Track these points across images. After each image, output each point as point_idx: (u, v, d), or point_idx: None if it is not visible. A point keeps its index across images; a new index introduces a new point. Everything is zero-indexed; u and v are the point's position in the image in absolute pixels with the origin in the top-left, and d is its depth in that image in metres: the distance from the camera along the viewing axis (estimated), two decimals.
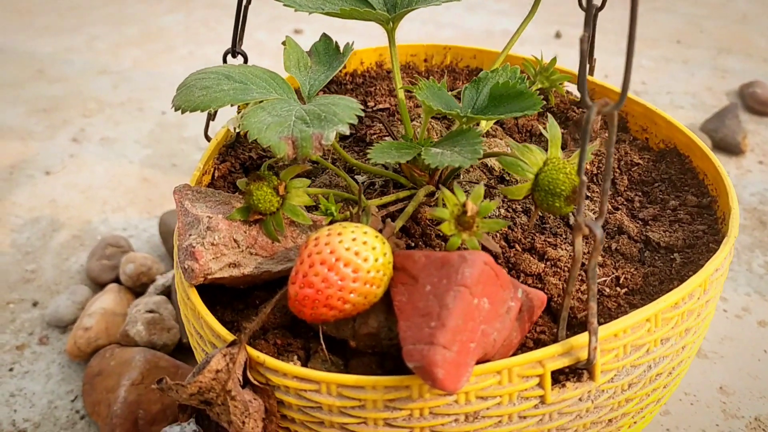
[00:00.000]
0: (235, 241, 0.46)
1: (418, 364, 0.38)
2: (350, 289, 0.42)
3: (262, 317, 0.44)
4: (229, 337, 0.44)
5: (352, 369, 0.45)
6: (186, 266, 0.45)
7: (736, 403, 0.77)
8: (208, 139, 0.61)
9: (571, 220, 0.55)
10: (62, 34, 1.51)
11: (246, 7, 0.56)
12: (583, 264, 0.50)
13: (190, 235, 0.46)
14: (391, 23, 0.56)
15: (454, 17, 1.65)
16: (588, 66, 0.68)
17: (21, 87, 1.31)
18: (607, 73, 1.47)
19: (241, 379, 0.42)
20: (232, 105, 0.47)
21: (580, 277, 0.49)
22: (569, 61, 1.62)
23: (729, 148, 1.21)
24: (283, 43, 0.52)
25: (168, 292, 0.83)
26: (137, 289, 0.85)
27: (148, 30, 1.53)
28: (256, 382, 0.43)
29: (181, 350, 0.79)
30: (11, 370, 0.78)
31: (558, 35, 1.59)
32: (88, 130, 1.19)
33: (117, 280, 0.87)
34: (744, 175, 1.15)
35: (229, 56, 0.57)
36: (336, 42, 0.54)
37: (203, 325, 0.46)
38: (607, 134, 0.64)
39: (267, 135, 0.43)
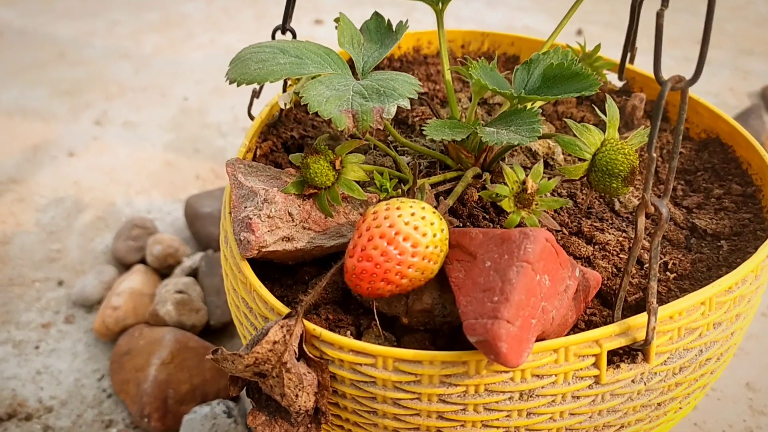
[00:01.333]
0: (290, 214, 0.46)
1: (481, 338, 0.38)
2: (409, 263, 0.41)
3: (318, 290, 0.44)
4: (284, 309, 0.44)
5: (404, 345, 0.45)
6: (242, 237, 0.45)
7: (763, 399, 0.77)
8: (251, 117, 0.61)
9: (634, 200, 0.54)
10: (83, 18, 1.50)
11: None
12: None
13: (246, 207, 0.46)
14: (440, 4, 0.56)
15: (474, 13, 1.65)
16: (630, 54, 0.68)
17: (43, 69, 1.30)
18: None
19: (296, 351, 0.42)
20: (287, 78, 0.47)
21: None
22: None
23: None
24: (336, 20, 0.52)
25: (195, 273, 0.83)
26: (163, 270, 0.85)
27: (169, 16, 1.53)
28: (311, 356, 0.43)
29: (209, 332, 0.79)
30: (37, 347, 0.78)
31: (579, 32, 1.58)
32: (111, 113, 1.19)
33: (143, 261, 0.86)
34: None
35: (278, 33, 0.57)
36: (388, 20, 0.54)
37: (255, 297, 0.46)
38: (647, 123, 0.64)
39: (327, 107, 0.43)
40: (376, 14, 0.54)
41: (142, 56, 1.37)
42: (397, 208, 0.42)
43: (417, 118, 0.63)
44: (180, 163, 1.08)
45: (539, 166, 0.45)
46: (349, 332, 0.45)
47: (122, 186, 1.02)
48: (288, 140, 0.62)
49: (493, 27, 1.61)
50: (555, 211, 0.53)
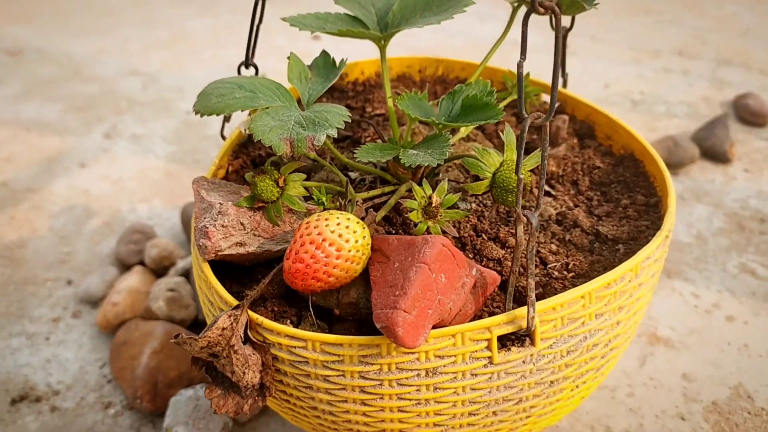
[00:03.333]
0: (241, 224, 0.55)
1: (383, 324, 0.47)
2: (333, 264, 0.51)
3: (262, 286, 0.54)
4: (235, 302, 0.54)
5: (334, 333, 0.54)
6: (201, 243, 0.55)
7: (697, 388, 0.85)
8: (223, 138, 0.70)
9: (550, 209, 0.63)
10: (97, 35, 1.62)
11: (258, 26, 0.66)
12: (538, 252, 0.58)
13: (205, 218, 0.55)
14: (382, 41, 0.65)
15: (464, 26, 1.74)
16: (562, 79, 0.76)
17: (59, 85, 1.42)
18: (608, 82, 1.54)
19: (242, 336, 0.52)
20: (242, 110, 0.56)
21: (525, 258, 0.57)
22: (573, 72, 1.68)
23: (717, 156, 1.28)
24: (288, 58, 0.62)
25: (187, 274, 0.93)
26: (159, 271, 0.95)
27: (176, 33, 1.64)
28: (255, 340, 0.52)
29: (197, 326, 0.88)
30: (47, 339, 0.89)
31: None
32: (119, 127, 1.30)
33: (142, 263, 0.97)
34: (729, 183, 1.23)
35: (242, 68, 0.67)
36: (333, 57, 0.63)
37: (213, 293, 0.56)
38: (574, 140, 0.73)
39: (269, 136, 0.53)
40: (324, 52, 0.64)
41: (150, 72, 1.48)
42: (326, 219, 0.52)
43: (368, 138, 0.72)
44: (180, 173, 1.18)
45: (444, 184, 0.54)
46: (289, 322, 0.55)
47: (127, 194, 1.13)
48: (256, 158, 0.71)
49: (482, 40, 1.69)
50: (478, 219, 0.62)
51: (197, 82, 1.44)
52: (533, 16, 0.44)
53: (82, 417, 0.79)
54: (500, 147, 0.74)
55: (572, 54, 1.63)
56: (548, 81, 0.79)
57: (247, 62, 0.66)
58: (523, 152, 0.47)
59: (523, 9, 0.66)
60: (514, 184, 0.52)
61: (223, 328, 0.51)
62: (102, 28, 1.66)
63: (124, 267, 0.97)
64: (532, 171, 0.65)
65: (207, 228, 0.54)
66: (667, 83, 1.56)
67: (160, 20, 1.71)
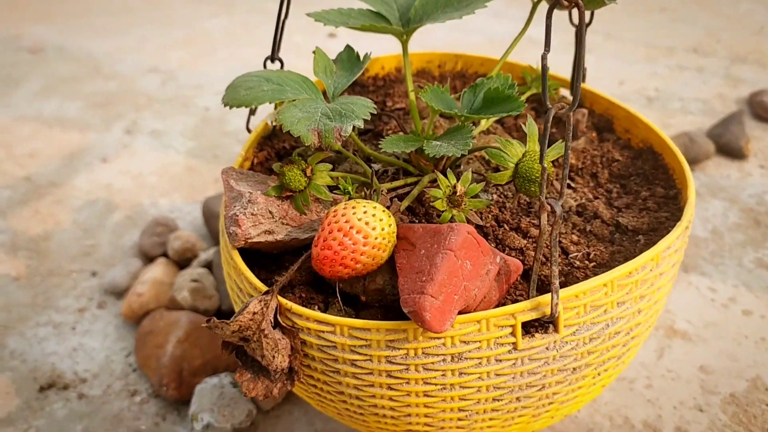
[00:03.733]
0: (270, 212, 0.57)
1: (411, 309, 0.48)
2: (361, 251, 0.52)
3: (291, 273, 0.55)
4: (263, 288, 0.55)
5: (362, 318, 0.55)
6: (231, 231, 0.56)
7: (714, 381, 0.86)
8: (249, 131, 0.72)
9: (569, 201, 0.64)
10: (116, 34, 1.64)
11: (284, 21, 0.67)
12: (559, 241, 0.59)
13: (235, 206, 0.57)
14: (404, 36, 0.66)
15: (480, 24, 1.75)
16: (580, 73, 0.77)
17: (80, 83, 1.44)
18: (622, 79, 1.55)
19: (272, 321, 0.53)
20: (270, 102, 0.58)
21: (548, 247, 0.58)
22: (588, 69, 1.68)
23: (732, 152, 1.28)
24: (314, 52, 0.63)
25: (209, 265, 0.94)
26: (182, 262, 0.96)
27: (193, 32, 1.66)
28: (284, 325, 0.54)
29: (220, 316, 0.90)
30: (74, 329, 0.90)
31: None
32: (140, 123, 1.32)
33: (165, 255, 0.98)
34: (744, 178, 1.23)
35: (268, 62, 0.68)
36: (357, 52, 0.64)
37: (243, 279, 0.57)
38: (593, 134, 0.74)
39: (298, 127, 0.54)
40: (348, 47, 0.65)
41: (168, 70, 1.50)
42: (353, 207, 0.53)
43: (390, 131, 0.73)
44: (200, 168, 1.20)
45: (468, 174, 0.55)
46: (317, 307, 0.56)
47: (148, 189, 1.15)
48: (281, 150, 0.73)
49: (498, 37, 1.70)
50: (500, 209, 0.63)
51: (215, 79, 1.46)
52: (541, 9, 0.45)
53: (109, 404, 0.81)
54: (520, 140, 0.75)
55: (587, 51, 1.64)
56: (564, 76, 0.80)
57: (273, 56, 0.67)
58: (547, 142, 0.48)
59: (544, 4, 0.67)
60: (537, 174, 0.54)
61: (254, 313, 0.52)
62: (120, 27, 1.68)
63: (148, 259, 0.99)
64: (553, 162, 0.66)
65: (237, 216, 0.56)
66: (682, 80, 1.57)
67: (178, 19, 1.73)
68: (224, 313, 0.90)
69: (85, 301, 0.94)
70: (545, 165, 0.48)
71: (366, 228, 0.52)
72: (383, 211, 0.54)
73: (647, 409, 0.81)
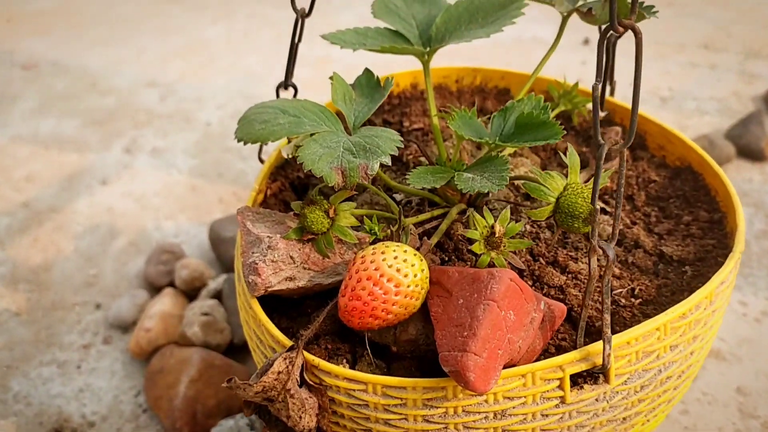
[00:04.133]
0: (291, 257, 0.53)
1: (452, 368, 0.44)
2: (393, 301, 0.48)
3: (316, 325, 0.51)
4: (287, 341, 0.51)
5: (393, 371, 0.51)
6: (250, 280, 0.52)
7: (753, 403, 0.82)
8: (261, 161, 0.68)
9: (608, 228, 0.60)
10: (113, 46, 1.59)
11: (297, 45, 0.63)
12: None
13: (253, 252, 0.52)
14: (426, 56, 0.62)
15: None
16: (609, 87, 0.73)
17: (76, 99, 1.39)
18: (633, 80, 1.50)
19: (298, 379, 0.49)
20: (287, 137, 0.53)
21: (597, 289, 0.54)
22: (592, 66, 1.65)
23: (753, 154, 1.24)
24: (331, 78, 0.59)
25: (219, 295, 0.90)
26: (191, 292, 0.92)
27: (193, 42, 1.61)
28: (311, 383, 0.49)
29: (232, 350, 0.86)
30: (79, 367, 0.86)
31: (587, 42, 1.62)
32: (140, 141, 1.27)
33: (172, 284, 0.94)
34: (767, 181, 1.19)
35: (281, 89, 0.64)
36: (377, 77, 0.60)
37: (264, 331, 0.53)
38: (626, 152, 0.69)
39: (320, 166, 0.50)
40: (367, 70, 0.61)
41: (167, 83, 1.45)
42: (382, 252, 0.49)
43: (411, 156, 0.69)
44: (204, 187, 1.15)
45: (506, 212, 0.51)
46: (345, 360, 0.52)
47: (152, 211, 1.10)
48: (295, 180, 0.68)
49: (503, 39, 1.65)
50: (534, 241, 0.59)
51: (216, 91, 1.42)
52: (548, 9, 0.40)
53: None
54: (546, 160, 0.70)
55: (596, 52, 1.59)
56: (582, 86, 0.76)
57: (287, 83, 0.63)
58: (599, 180, 0.44)
59: (574, 17, 0.63)
60: (581, 210, 0.49)
61: (279, 372, 0.48)
62: (117, 38, 1.63)
63: (154, 289, 0.94)
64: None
65: (257, 264, 0.51)
66: (695, 78, 1.52)
67: (175, 29, 1.68)
68: (236, 347, 0.85)
69: (90, 336, 0.90)
70: (597, 206, 0.44)
71: (397, 276, 0.48)
72: (414, 254, 0.49)
73: None
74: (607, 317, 0.46)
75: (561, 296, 0.55)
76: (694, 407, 0.80)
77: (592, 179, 0.52)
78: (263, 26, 1.68)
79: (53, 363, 0.86)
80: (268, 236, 0.52)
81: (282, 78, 0.67)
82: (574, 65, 1.53)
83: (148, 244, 1.04)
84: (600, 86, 0.43)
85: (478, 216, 0.51)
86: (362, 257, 0.49)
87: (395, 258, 0.48)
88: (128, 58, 1.54)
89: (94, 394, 0.83)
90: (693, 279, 0.56)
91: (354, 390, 0.49)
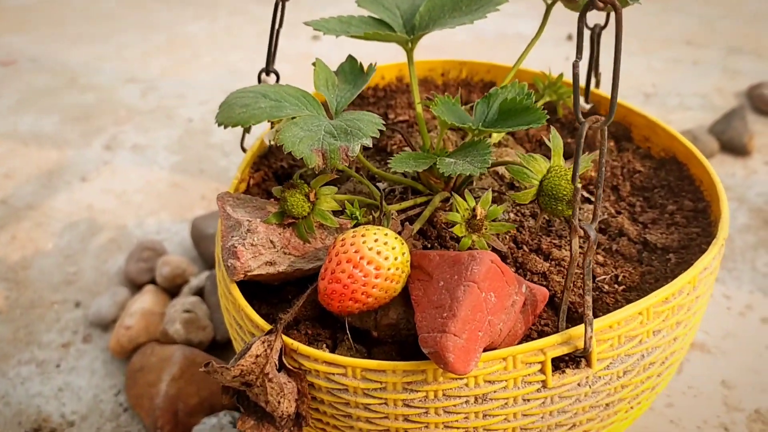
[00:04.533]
0: (271, 242, 0.52)
1: (432, 349, 0.44)
2: (373, 284, 0.47)
3: (295, 309, 0.50)
4: (266, 326, 0.50)
5: (374, 356, 0.50)
6: (229, 264, 0.51)
7: (738, 396, 0.81)
8: (244, 150, 0.67)
9: (590, 216, 0.60)
10: (93, 42, 1.57)
11: (278, 31, 0.62)
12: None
13: (233, 236, 0.52)
14: (409, 44, 0.61)
15: None
16: (594, 80, 0.73)
17: (56, 95, 1.38)
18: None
19: (277, 363, 0.48)
20: (268, 120, 0.52)
21: (579, 274, 0.54)
22: (581, 64, 1.64)
23: (736, 149, 1.25)
24: (314, 65, 0.58)
25: (201, 292, 0.89)
26: (172, 289, 0.91)
27: (175, 37, 1.60)
28: (290, 367, 0.49)
29: (215, 347, 0.84)
30: (58, 366, 0.85)
31: (570, 37, 1.63)
32: (120, 137, 1.26)
33: (153, 282, 0.93)
34: (750, 176, 1.19)
35: (263, 75, 0.63)
36: (360, 63, 0.59)
37: (243, 316, 0.52)
38: (610, 143, 0.69)
39: (300, 147, 0.49)
40: (350, 57, 0.60)
41: (149, 79, 1.44)
42: (362, 235, 0.48)
43: (395, 146, 0.68)
44: (186, 184, 1.14)
45: (488, 195, 0.50)
46: (325, 345, 0.51)
47: (133, 208, 1.09)
48: (278, 170, 0.67)
49: (487, 34, 1.65)
50: (518, 230, 0.59)
51: (198, 88, 1.41)
52: (531, 4, 0.40)
53: None
54: (531, 151, 0.70)
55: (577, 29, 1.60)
56: (567, 78, 0.75)
57: (268, 69, 0.62)
58: (580, 159, 0.43)
59: (558, 5, 0.63)
60: (564, 192, 0.49)
61: (257, 356, 0.47)
62: (97, 34, 1.61)
63: (135, 286, 0.93)
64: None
65: (236, 247, 0.50)
66: (679, 74, 1.53)
67: (158, 25, 1.66)
68: (219, 344, 0.84)
69: (69, 335, 0.88)
70: (578, 185, 0.43)
71: (378, 258, 0.47)
72: (395, 238, 0.49)
73: (670, 430, 0.77)
74: (589, 299, 0.46)
75: (544, 282, 0.54)
76: (679, 400, 0.80)
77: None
78: (246, 23, 1.67)
79: (32, 362, 0.85)
80: (247, 220, 0.51)
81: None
82: (557, 60, 1.53)
83: (129, 241, 1.02)
84: (578, 63, 0.43)
85: (459, 199, 0.50)
86: (342, 240, 0.48)
87: (375, 241, 0.48)
88: (109, 54, 1.53)
89: (74, 394, 0.81)
90: (677, 266, 0.56)
91: (333, 374, 0.48)
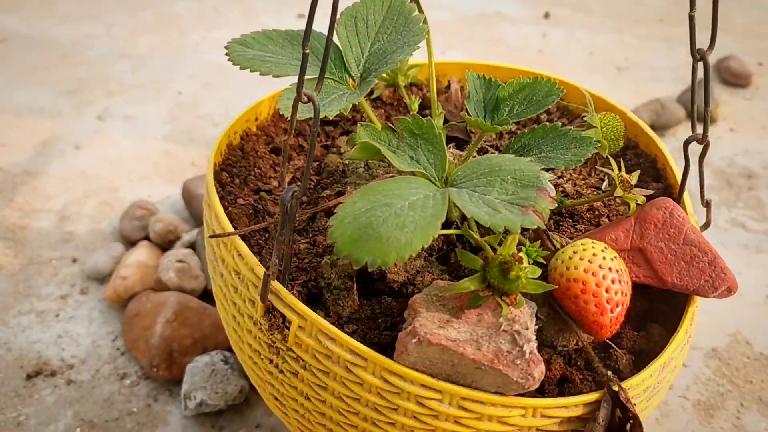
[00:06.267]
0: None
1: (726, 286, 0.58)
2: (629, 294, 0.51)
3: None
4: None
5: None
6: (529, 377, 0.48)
7: (696, 336, 0.88)
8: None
9: None
10: (83, 21, 1.61)
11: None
12: None
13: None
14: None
15: (449, 1, 1.75)
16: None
17: (48, 71, 1.41)
18: (592, 50, 1.57)
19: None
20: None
21: None
22: (557, 41, 1.71)
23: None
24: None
25: (193, 246, 0.94)
26: (165, 245, 0.96)
27: (163, 16, 1.63)
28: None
29: (207, 295, 0.90)
30: (57, 315, 0.89)
31: (547, 15, 1.68)
32: (112, 109, 1.30)
33: (146, 238, 0.97)
34: (715, 142, 1.26)
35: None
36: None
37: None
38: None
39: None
40: None
41: (138, 55, 1.48)
42: (594, 255, 0.50)
43: None
44: (177, 151, 1.19)
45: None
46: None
47: (125, 174, 1.13)
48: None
49: (468, 13, 1.70)
50: None
51: (187, 64, 1.45)
52: None
53: (99, 388, 0.80)
54: None
55: (556, 25, 1.65)
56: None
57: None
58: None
59: None
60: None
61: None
62: (88, 13, 1.65)
63: (129, 243, 0.98)
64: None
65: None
66: (651, 50, 1.59)
67: (146, 4, 1.70)
68: (210, 293, 0.89)
69: (67, 287, 0.93)
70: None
71: (621, 266, 0.51)
72: (600, 246, 0.52)
73: None
74: None
75: None
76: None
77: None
78: (232, 2, 1.71)
79: (32, 312, 0.90)
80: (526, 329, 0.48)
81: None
82: (535, 38, 1.59)
83: (122, 204, 1.07)
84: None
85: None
86: (585, 270, 0.49)
87: (603, 250, 0.50)
88: (99, 32, 1.57)
89: (73, 340, 0.86)
90: None
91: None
